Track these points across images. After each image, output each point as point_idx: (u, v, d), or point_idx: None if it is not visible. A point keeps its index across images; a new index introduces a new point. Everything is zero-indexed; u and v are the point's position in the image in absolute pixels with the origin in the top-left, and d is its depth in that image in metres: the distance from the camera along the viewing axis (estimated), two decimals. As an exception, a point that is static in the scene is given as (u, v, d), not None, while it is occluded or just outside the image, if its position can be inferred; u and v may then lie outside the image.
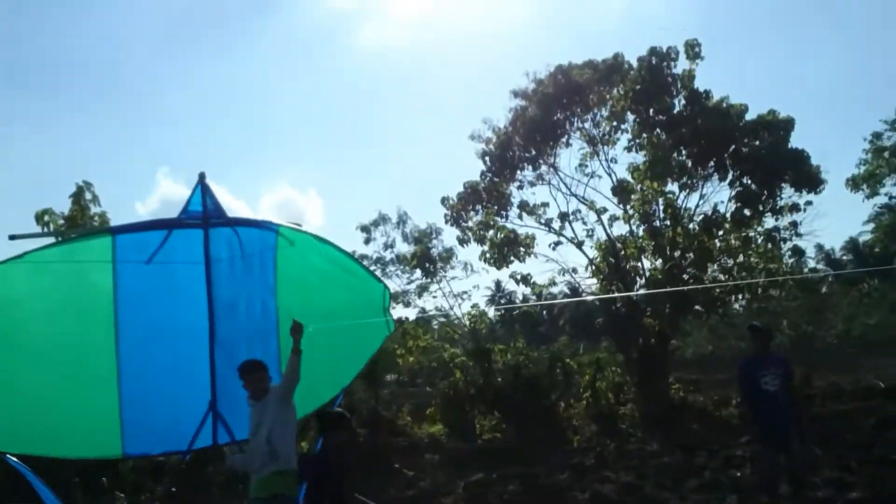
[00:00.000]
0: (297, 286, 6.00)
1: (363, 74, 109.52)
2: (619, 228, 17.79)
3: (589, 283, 18.41)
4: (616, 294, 16.70)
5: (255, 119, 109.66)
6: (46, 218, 10.54)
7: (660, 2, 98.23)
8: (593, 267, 17.68)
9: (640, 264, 17.60)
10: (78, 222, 10.79)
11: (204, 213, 5.53)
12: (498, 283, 44.97)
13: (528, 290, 19.00)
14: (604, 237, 17.64)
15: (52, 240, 5.32)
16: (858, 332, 32.28)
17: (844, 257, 44.04)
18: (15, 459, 5.09)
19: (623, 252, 17.52)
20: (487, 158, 17.67)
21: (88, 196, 11.05)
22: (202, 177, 5.56)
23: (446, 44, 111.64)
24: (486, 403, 14.78)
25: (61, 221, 10.65)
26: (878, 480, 8.27)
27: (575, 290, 20.80)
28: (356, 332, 6.30)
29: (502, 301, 45.22)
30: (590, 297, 20.64)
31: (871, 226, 47.70)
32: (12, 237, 9.61)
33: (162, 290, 5.59)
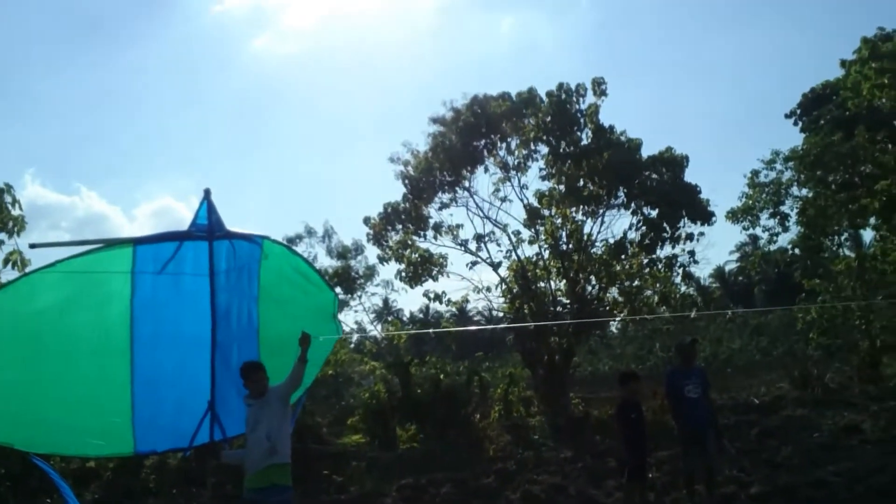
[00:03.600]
0: (271, 294, 6.53)
1: (256, 85, 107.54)
2: (529, 251, 18.97)
3: (500, 302, 19.45)
4: (529, 324, 17.61)
5: (136, 125, 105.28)
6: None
7: (548, 38, 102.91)
8: (504, 286, 18.77)
9: (547, 285, 18.83)
10: None
11: (209, 227, 6.02)
12: (386, 301, 44.75)
13: (442, 307, 19.85)
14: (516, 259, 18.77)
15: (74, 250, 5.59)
16: (725, 355, 35.11)
17: (713, 284, 47.68)
18: (40, 460, 5.40)
19: (532, 273, 18.69)
20: (408, 182, 18.44)
21: (8, 199, 10.86)
22: (207, 193, 6.08)
23: (348, 61, 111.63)
24: (405, 414, 15.40)
25: None
26: (769, 478, 9.60)
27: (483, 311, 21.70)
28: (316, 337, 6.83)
29: (390, 317, 45.42)
30: (503, 326, 21.78)
31: (737, 255, 52.28)
32: (32, 246, 9.59)
33: (172, 298, 6.01)
